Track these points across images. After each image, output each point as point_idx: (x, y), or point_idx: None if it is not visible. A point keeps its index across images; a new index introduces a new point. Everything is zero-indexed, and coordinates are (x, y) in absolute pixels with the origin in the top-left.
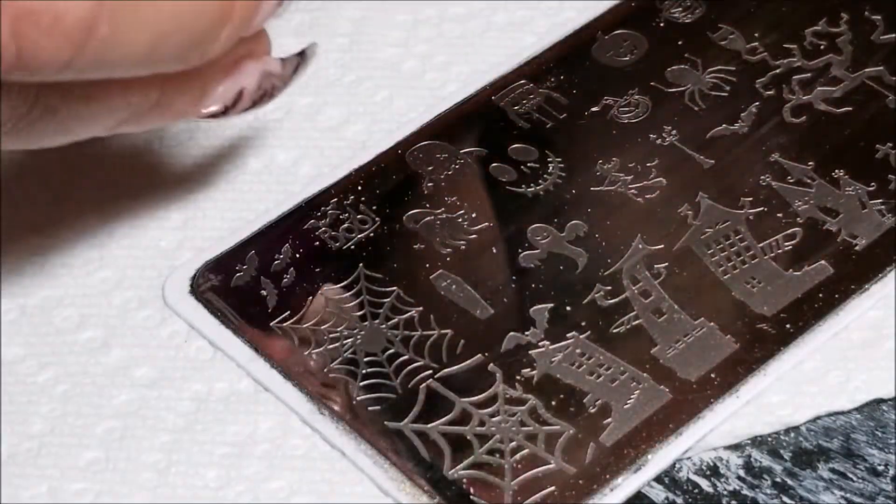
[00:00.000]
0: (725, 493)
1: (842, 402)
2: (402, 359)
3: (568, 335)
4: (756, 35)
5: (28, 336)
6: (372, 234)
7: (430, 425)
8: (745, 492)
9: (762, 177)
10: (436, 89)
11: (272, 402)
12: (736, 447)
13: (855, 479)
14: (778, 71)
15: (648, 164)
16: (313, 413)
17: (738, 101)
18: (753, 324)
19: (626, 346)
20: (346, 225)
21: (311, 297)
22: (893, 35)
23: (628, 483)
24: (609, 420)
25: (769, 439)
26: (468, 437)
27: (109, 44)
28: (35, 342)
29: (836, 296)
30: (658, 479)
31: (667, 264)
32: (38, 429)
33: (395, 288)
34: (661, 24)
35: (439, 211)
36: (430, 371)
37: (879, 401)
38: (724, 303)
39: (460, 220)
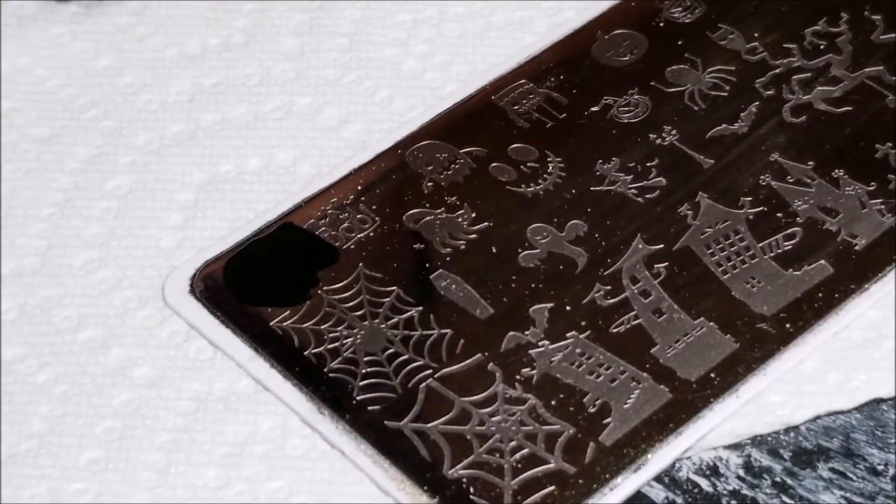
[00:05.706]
0: (725, 492)
1: (841, 402)
2: (401, 358)
3: (568, 335)
4: (756, 35)
5: (28, 336)
6: (372, 234)
7: (429, 425)
8: (744, 491)
9: (762, 176)
10: (436, 89)
11: (272, 402)
12: (736, 447)
13: (855, 478)
14: (777, 71)
15: (648, 164)
16: (313, 413)
17: (737, 100)
18: (753, 323)
19: (626, 346)
20: (345, 225)
21: (311, 297)
22: (893, 35)
23: (628, 483)
24: (609, 420)
25: (769, 439)
26: (468, 437)
27: None
28: (35, 342)
29: (836, 295)
30: (658, 479)
31: (667, 264)
32: (38, 429)
33: (395, 288)
34: (661, 24)
35: (439, 211)
36: (430, 371)
37: (879, 400)
38: (723, 302)
39: (460, 220)
